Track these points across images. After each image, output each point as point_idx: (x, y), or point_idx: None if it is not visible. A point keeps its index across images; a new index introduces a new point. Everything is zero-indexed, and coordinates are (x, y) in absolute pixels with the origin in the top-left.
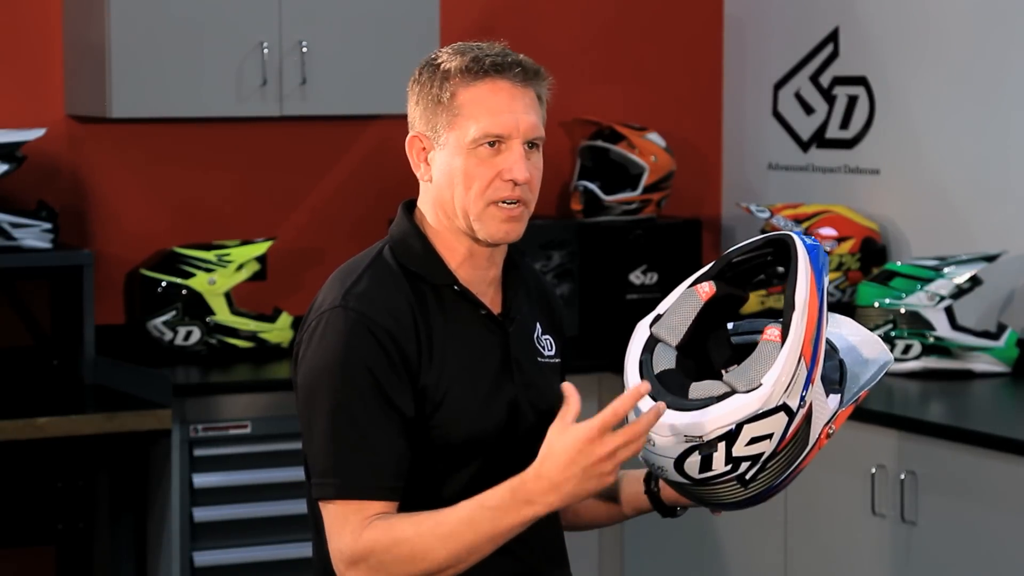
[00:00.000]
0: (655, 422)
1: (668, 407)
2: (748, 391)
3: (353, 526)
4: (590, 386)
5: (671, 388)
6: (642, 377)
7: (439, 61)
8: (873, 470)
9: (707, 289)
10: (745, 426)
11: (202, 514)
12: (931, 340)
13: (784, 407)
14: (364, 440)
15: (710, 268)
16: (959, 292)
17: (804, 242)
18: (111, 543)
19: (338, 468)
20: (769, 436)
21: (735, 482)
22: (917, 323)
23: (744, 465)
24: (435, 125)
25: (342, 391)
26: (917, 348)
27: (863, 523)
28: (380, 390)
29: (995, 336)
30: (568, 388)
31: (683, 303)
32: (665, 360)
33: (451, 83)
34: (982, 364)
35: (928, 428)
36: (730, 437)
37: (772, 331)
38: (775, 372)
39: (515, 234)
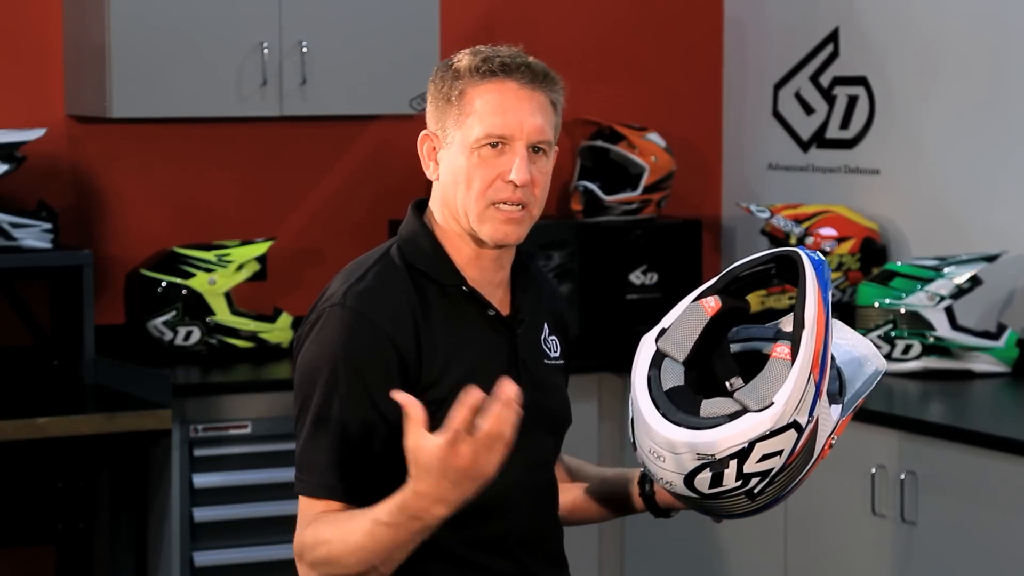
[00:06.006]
0: (510, 416)
1: (680, 425)
2: (760, 410)
3: (302, 522)
4: (590, 386)
5: (682, 406)
6: (651, 393)
7: (453, 61)
8: (873, 470)
9: (712, 304)
10: (757, 444)
11: (202, 514)
12: (931, 340)
13: (795, 424)
14: (336, 441)
15: (715, 282)
16: (959, 292)
17: (811, 258)
18: (111, 543)
19: (307, 465)
20: (779, 452)
21: (743, 496)
22: (917, 323)
23: (754, 481)
24: (444, 124)
25: (328, 390)
26: (917, 348)
27: (863, 523)
28: (366, 392)
29: (995, 336)
30: (401, 396)
31: (688, 317)
32: (673, 376)
33: (460, 82)
34: (982, 364)
35: (928, 428)
36: (742, 455)
37: (782, 349)
38: (787, 391)
39: (514, 236)
